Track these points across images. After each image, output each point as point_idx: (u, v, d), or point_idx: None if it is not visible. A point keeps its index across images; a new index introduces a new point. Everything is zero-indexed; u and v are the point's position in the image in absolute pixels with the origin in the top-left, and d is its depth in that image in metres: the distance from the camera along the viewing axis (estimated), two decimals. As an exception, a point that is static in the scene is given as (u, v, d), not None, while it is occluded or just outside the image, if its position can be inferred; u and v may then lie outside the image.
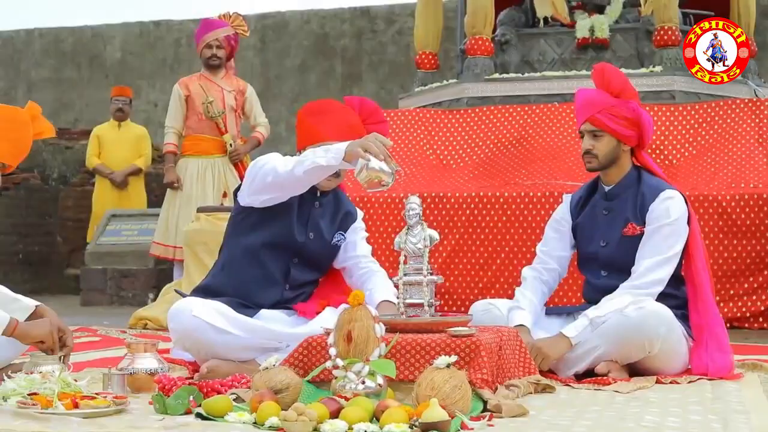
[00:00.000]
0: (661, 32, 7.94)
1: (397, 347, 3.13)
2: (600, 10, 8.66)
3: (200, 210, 6.84)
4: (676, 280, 3.98)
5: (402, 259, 3.43)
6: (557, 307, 4.50)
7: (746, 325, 6.29)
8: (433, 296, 3.41)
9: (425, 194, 6.89)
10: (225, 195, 7.50)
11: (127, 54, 14.71)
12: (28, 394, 2.94)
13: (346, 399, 2.85)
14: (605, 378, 3.66)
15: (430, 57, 9.04)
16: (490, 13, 8.38)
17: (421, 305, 3.37)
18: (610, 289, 3.94)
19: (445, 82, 8.72)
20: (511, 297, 6.35)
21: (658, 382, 3.69)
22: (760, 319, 6.33)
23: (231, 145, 7.55)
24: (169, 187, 7.63)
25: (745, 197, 6.43)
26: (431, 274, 3.40)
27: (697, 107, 7.54)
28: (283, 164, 3.76)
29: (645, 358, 3.77)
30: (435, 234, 3.44)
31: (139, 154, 9.53)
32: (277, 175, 3.76)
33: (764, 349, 5.07)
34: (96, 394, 3.03)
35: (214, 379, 3.57)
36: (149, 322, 6.40)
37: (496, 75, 8.29)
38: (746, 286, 6.39)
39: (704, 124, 7.46)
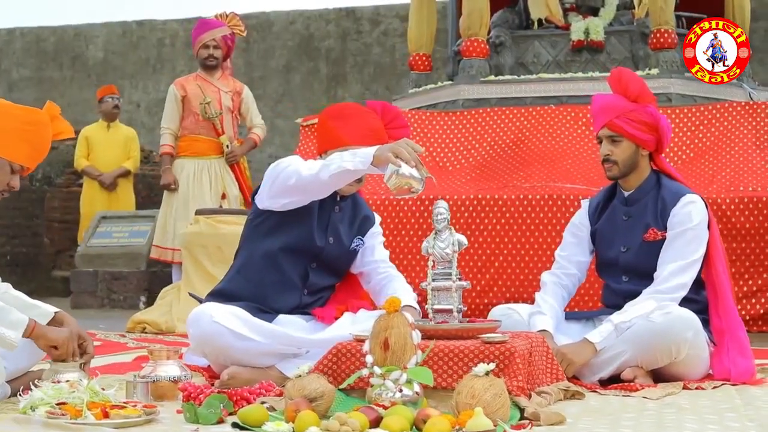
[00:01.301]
0: (658, 35, 7.94)
1: (431, 354, 3.09)
2: (594, 12, 8.68)
3: (199, 212, 6.76)
4: (697, 284, 3.95)
5: (430, 264, 3.38)
6: (577, 312, 4.47)
7: (746, 328, 6.27)
8: (461, 302, 3.37)
9: (422, 197, 6.85)
10: (224, 197, 7.42)
11: (109, 54, 14.59)
12: (57, 404, 2.87)
13: (384, 407, 2.80)
14: (632, 384, 3.63)
15: (424, 58, 9.02)
16: (486, 14, 8.35)
17: (449, 311, 3.33)
18: (632, 294, 3.91)
19: (440, 83, 8.69)
20: (509, 300, 6.41)
21: (684, 388, 3.65)
22: (760, 323, 6.32)
23: (228, 146, 7.47)
24: (165, 188, 7.53)
25: (744, 200, 6.42)
26: (459, 279, 3.36)
27: (693, 110, 7.55)
28: (307, 167, 3.70)
29: (670, 364, 3.75)
30: (463, 239, 3.39)
31: (127, 155, 9.42)
32: (301, 178, 3.70)
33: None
34: (125, 403, 2.97)
35: (234, 386, 3.53)
36: (148, 326, 6.32)
37: (492, 77, 8.26)
38: (745, 289, 6.38)
39: (701, 127, 7.46)
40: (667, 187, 4.02)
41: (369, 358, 2.94)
